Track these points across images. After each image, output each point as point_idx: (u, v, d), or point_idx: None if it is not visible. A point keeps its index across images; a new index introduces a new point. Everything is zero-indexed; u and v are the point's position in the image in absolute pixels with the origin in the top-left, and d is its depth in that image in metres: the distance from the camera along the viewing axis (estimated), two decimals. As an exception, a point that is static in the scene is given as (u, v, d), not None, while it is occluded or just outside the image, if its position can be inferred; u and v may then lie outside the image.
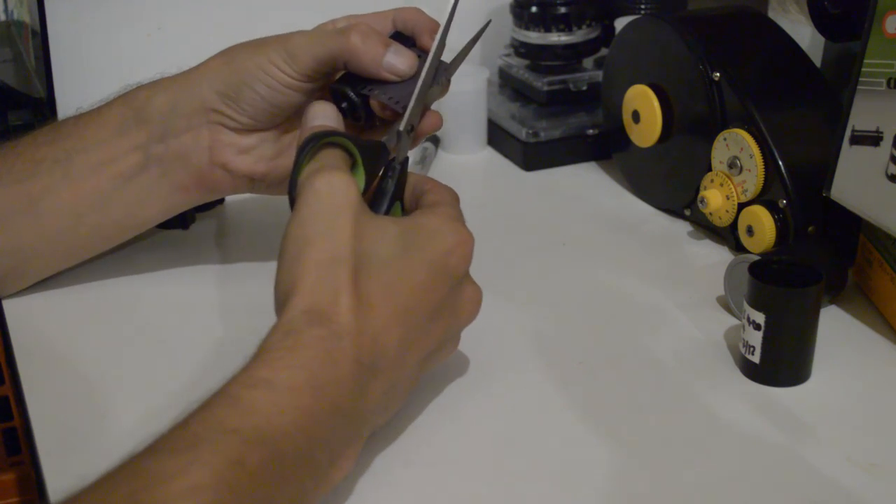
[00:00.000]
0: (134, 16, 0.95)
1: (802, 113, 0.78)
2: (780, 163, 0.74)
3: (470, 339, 0.69)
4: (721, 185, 0.77)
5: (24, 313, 0.70)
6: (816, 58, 0.88)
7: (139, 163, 0.69)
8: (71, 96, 0.92)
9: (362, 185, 0.59)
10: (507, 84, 1.01)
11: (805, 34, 0.90)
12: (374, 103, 0.67)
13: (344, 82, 0.67)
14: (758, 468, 0.57)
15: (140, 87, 0.71)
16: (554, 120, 0.95)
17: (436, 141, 0.97)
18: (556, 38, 0.96)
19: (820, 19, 0.76)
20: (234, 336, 0.68)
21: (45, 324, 0.70)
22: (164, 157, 0.69)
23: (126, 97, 0.70)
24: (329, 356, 0.52)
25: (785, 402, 0.63)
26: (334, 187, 0.56)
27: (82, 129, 0.70)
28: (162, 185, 0.70)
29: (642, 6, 0.98)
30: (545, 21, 0.95)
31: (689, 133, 0.82)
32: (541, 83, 0.97)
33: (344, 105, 0.67)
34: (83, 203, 0.69)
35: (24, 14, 0.99)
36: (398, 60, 0.66)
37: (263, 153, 0.70)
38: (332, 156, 0.58)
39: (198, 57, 0.98)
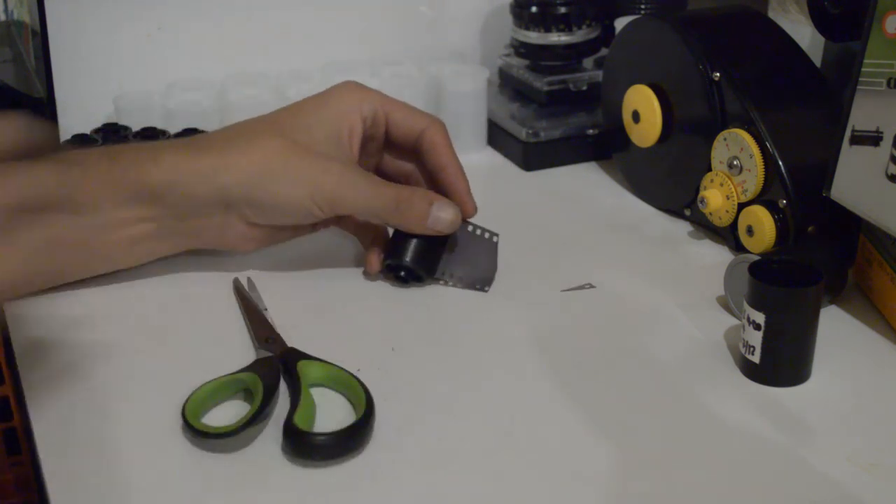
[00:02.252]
0: (134, 16, 0.95)
1: (802, 113, 0.78)
2: (780, 163, 0.74)
3: (470, 339, 0.69)
4: (721, 185, 0.77)
5: (24, 313, 0.70)
6: (816, 58, 0.88)
7: (153, 232, 0.70)
8: (71, 96, 0.92)
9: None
10: (507, 84, 1.01)
11: (805, 34, 0.90)
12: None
13: (407, 265, 0.72)
14: (758, 468, 0.57)
15: (159, 163, 0.68)
16: (554, 120, 0.95)
17: (436, 141, 0.97)
18: (556, 38, 0.96)
19: (820, 19, 0.76)
20: (234, 336, 0.68)
21: (45, 324, 0.70)
22: (177, 231, 0.70)
23: (144, 169, 0.68)
24: None
25: (785, 402, 0.63)
26: None
27: (92, 182, 0.67)
28: (169, 247, 0.72)
29: (642, 6, 0.98)
30: (545, 21, 0.95)
31: (689, 133, 0.82)
32: (541, 83, 0.96)
33: (402, 275, 0.73)
34: (92, 259, 0.70)
35: (24, 14, 0.99)
36: (441, 219, 0.71)
37: (272, 238, 0.73)
38: None
39: (198, 57, 0.99)
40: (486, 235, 0.74)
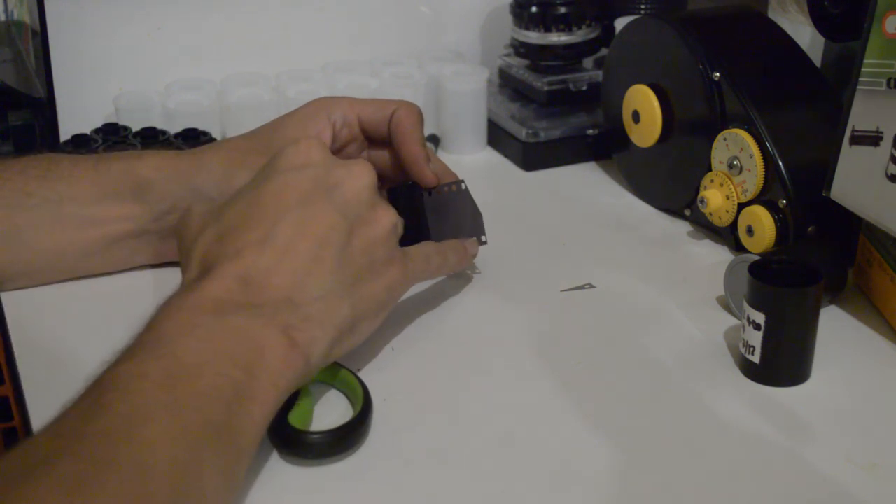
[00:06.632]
0: (134, 16, 0.95)
1: (802, 113, 0.78)
2: (780, 163, 0.74)
3: (470, 338, 0.69)
4: (721, 185, 0.77)
5: (24, 312, 0.70)
6: (816, 58, 0.88)
7: (131, 231, 0.72)
8: (71, 96, 0.93)
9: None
10: (507, 84, 1.01)
11: (805, 34, 0.90)
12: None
13: None
14: (757, 468, 0.57)
15: (143, 160, 0.72)
16: (554, 120, 0.95)
17: (436, 141, 0.97)
18: (556, 38, 0.96)
19: (820, 19, 0.75)
20: (233, 336, 0.68)
21: (45, 323, 0.70)
22: (156, 233, 0.72)
23: (129, 163, 0.72)
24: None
25: (785, 402, 0.63)
26: None
27: (78, 177, 0.71)
28: (147, 251, 0.73)
29: (642, 6, 0.98)
30: (545, 21, 0.95)
31: (689, 133, 0.82)
32: (541, 83, 0.96)
33: None
34: (68, 250, 0.71)
35: (24, 14, 0.99)
36: None
37: None
38: None
39: (198, 57, 0.99)
40: (455, 188, 0.74)
